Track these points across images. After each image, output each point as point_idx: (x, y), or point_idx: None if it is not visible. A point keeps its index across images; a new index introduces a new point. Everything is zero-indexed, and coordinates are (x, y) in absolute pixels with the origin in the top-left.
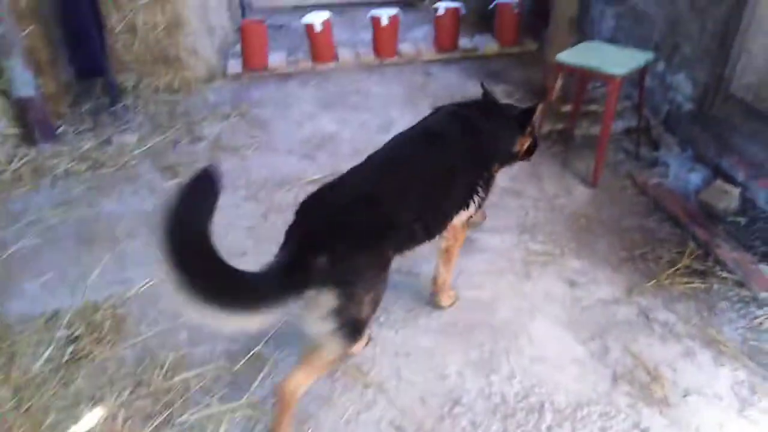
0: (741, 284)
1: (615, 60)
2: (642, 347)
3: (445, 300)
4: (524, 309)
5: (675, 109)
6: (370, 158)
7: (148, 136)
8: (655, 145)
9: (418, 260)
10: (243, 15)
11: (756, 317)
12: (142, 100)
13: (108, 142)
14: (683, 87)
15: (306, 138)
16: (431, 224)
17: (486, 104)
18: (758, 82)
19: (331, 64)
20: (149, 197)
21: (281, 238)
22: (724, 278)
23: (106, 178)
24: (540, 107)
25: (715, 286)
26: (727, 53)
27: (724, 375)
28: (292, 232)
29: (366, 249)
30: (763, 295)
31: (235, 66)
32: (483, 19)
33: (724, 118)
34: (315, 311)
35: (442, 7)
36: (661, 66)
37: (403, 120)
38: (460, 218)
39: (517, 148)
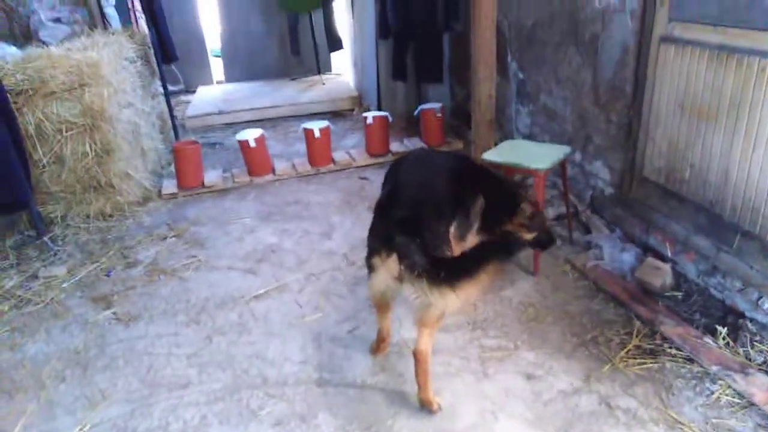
0: (691, 360)
1: (536, 155)
2: None
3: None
4: (487, 410)
5: (598, 193)
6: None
7: (79, 266)
8: (587, 229)
9: (374, 369)
10: (176, 135)
11: (712, 392)
12: (71, 229)
13: (34, 276)
14: (601, 173)
15: (247, 252)
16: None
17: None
18: (666, 166)
19: (269, 177)
20: (80, 333)
21: (228, 363)
22: (674, 355)
23: (31, 317)
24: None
25: (668, 365)
26: (634, 142)
27: None
28: (383, 220)
29: (436, 231)
30: (714, 369)
31: (170, 186)
32: (410, 125)
33: (643, 199)
34: (416, 285)
35: (370, 117)
36: (578, 156)
37: (344, 225)
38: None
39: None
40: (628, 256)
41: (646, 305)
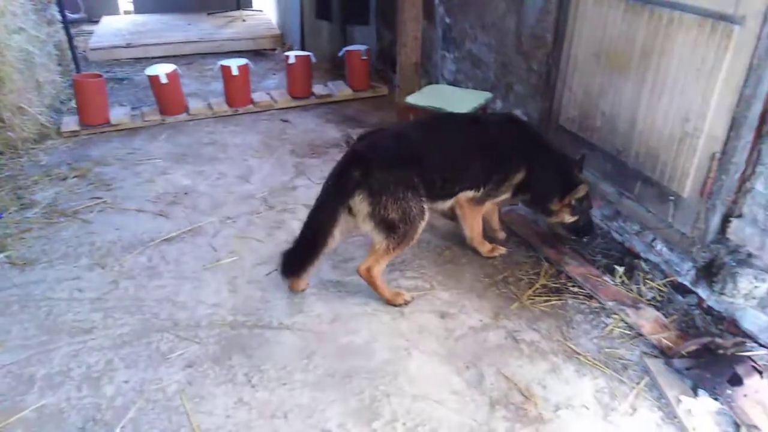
0: (590, 297)
1: (458, 100)
2: (514, 369)
3: (483, 251)
4: (401, 347)
5: None
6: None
7: None
8: None
9: (292, 311)
10: (78, 67)
11: (606, 325)
12: None
13: None
14: None
15: (158, 195)
16: (447, 181)
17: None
18: (580, 115)
19: (182, 116)
20: None
21: (137, 307)
22: (576, 293)
23: None
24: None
25: (570, 301)
26: (552, 91)
27: (586, 385)
28: (343, 155)
29: (391, 170)
30: (609, 304)
31: (71, 123)
32: (334, 67)
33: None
34: (359, 214)
35: (292, 56)
36: (500, 104)
37: (263, 168)
38: (466, 195)
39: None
40: None
41: (554, 247)
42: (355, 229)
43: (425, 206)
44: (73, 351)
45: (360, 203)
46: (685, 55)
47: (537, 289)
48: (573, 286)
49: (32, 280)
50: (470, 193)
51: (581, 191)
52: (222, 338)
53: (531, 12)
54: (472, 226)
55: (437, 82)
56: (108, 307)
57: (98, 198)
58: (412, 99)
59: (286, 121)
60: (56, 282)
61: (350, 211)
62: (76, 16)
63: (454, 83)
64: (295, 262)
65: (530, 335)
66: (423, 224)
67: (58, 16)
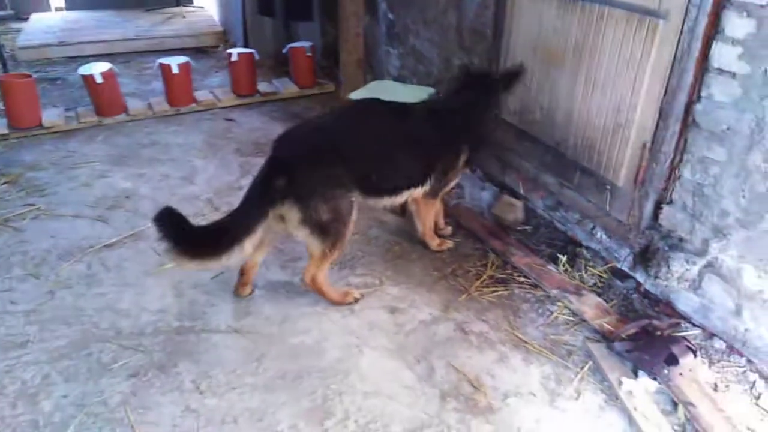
0: (535, 286)
1: (401, 95)
2: (463, 360)
3: (433, 245)
4: (352, 345)
5: None
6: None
7: None
8: None
9: (239, 314)
10: (5, 67)
11: (551, 313)
12: None
13: None
14: None
15: (97, 199)
16: (382, 175)
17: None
18: (520, 108)
19: (120, 117)
20: None
21: (75, 317)
22: (522, 282)
23: None
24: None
25: (516, 291)
26: None
27: (533, 372)
28: (265, 161)
29: (316, 171)
30: (553, 292)
31: None
32: (279, 64)
33: (501, 140)
34: (290, 222)
35: (235, 53)
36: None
37: (208, 169)
38: (416, 192)
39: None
40: (486, 195)
41: (500, 239)
42: (287, 235)
43: (353, 201)
44: (6, 367)
45: (289, 211)
46: (615, 49)
47: (484, 280)
48: (519, 276)
49: None
50: (419, 190)
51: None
52: (168, 345)
53: (470, 7)
54: (425, 220)
55: (382, 78)
56: (44, 319)
57: (31, 205)
58: (355, 95)
59: (230, 119)
60: None
61: (281, 218)
62: (1, 12)
63: (399, 79)
64: (187, 243)
65: (479, 326)
66: (353, 220)
67: None
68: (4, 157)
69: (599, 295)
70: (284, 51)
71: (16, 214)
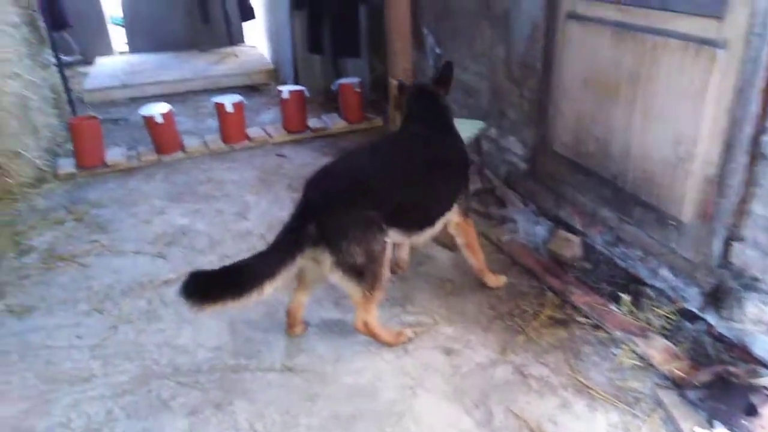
0: (598, 326)
1: None
2: (523, 406)
3: (491, 281)
4: (406, 386)
5: (512, 168)
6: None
7: None
8: (502, 203)
9: (293, 352)
10: (73, 110)
11: (616, 356)
12: None
13: None
14: (515, 148)
15: (156, 235)
16: (418, 206)
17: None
18: (574, 140)
19: (178, 155)
20: None
21: (136, 353)
22: (583, 323)
23: None
24: None
25: (577, 332)
26: (544, 116)
27: (599, 420)
28: (296, 205)
29: (346, 214)
30: (617, 334)
31: (67, 166)
32: (328, 100)
33: (554, 173)
34: (323, 266)
35: (286, 91)
36: (494, 131)
37: (260, 204)
38: (451, 216)
39: None
40: (541, 229)
41: (557, 276)
42: (322, 279)
43: (387, 241)
44: (72, 401)
45: (321, 254)
46: (672, 79)
47: (543, 320)
48: (579, 316)
49: (31, 327)
50: (453, 212)
51: None
52: (224, 383)
53: (519, 41)
54: (475, 249)
55: None
56: (107, 354)
57: (96, 241)
58: None
59: (281, 155)
60: (55, 329)
61: (316, 261)
62: (70, 58)
63: None
64: (206, 289)
65: (538, 369)
66: (387, 259)
67: (53, 60)
68: (72, 195)
69: (667, 337)
70: (333, 87)
71: (82, 250)
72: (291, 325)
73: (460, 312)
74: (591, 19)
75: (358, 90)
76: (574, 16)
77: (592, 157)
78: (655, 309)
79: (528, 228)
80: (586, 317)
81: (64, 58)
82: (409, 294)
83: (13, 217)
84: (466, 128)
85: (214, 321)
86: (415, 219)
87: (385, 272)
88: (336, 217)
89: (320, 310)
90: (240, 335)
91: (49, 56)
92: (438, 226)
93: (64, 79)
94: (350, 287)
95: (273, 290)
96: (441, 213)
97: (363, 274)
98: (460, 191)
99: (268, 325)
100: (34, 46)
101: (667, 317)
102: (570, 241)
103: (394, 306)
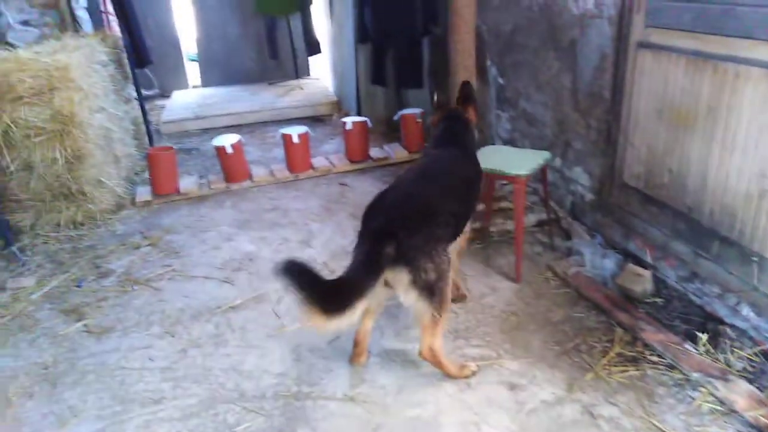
0: (672, 366)
1: (517, 161)
2: None
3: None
4: (469, 422)
5: (578, 199)
6: (411, 170)
7: (48, 276)
8: (567, 235)
9: (355, 381)
10: (150, 140)
11: (693, 400)
12: (41, 238)
13: (1, 288)
14: (581, 179)
15: (224, 261)
16: (461, 218)
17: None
18: (645, 172)
19: (246, 183)
20: (49, 347)
21: (204, 376)
22: (655, 362)
23: None
24: None
25: (649, 372)
26: (613, 147)
27: None
28: (363, 233)
29: (418, 233)
30: (694, 375)
31: (144, 193)
32: (390, 129)
33: (623, 205)
34: (399, 287)
35: (350, 122)
36: (558, 161)
37: (324, 232)
38: (469, 227)
39: None
40: (609, 263)
41: (627, 312)
42: (391, 299)
43: (449, 257)
44: (144, 422)
45: (398, 274)
46: (755, 109)
47: (612, 357)
48: (651, 355)
49: (107, 348)
50: (469, 225)
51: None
52: (287, 410)
53: (586, 70)
54: (461, 254)
55: (493, 142)
56: (177, 377)
57: (168, 266)
58: None
59: (344, 184)
60: (129, 351)
61: (387, 284)
62: (150, 92)
63: (509, 142)
64: (319, 294)
65: (608, 410)
66: (450, 278)
67: (135, 94)
68: (148, 222)
69: (750, 381)
70: (395, 118)
71: (156, 274)
72: (358, 354)
73: (524, 346)
74: (665, 48)
75: (419, 120)
76: (646, 45)
77: (665, 189)
78: (736, 350)
79: (595, 261)
80: (660, 356)
81: (145, 92)
82: (472, 327)
83: (95, 241)
84: (531, 159)
85: (278, 347)
86: (455, 232)
87: (450, 291)
88: (413, 237)
89: (382, 339)
90: (303, 362)
91: (131, 91)
92: (465, 235)
93: (144, 112)
94: (422, 307)
95: (361, 312)
96: (466, 223)
97: (434, 292)
98: (476, 204)
99: (329, 353)
100: (119, 82)
101: (750, 359)
102: (640, 276)
103: (457, 339)
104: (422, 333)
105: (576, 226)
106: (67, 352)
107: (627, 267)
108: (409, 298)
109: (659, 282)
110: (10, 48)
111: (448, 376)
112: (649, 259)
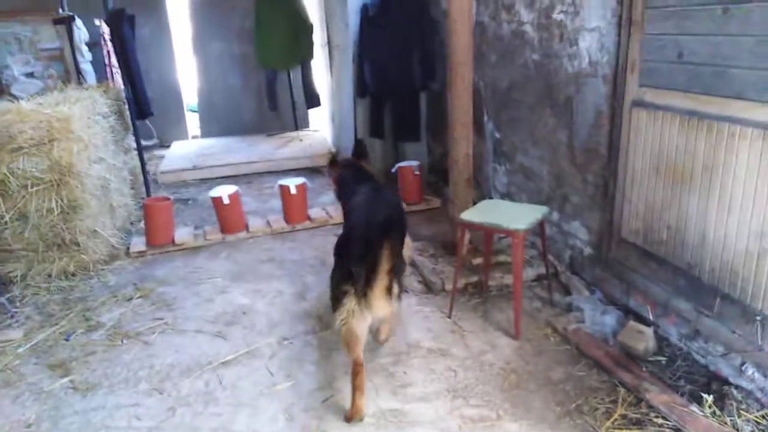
0: (678, 430)
1: (515, 216)
2: None
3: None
4: None
5: (577, 253)
6: (360, 203)
7: (37, 329)
8: (566, 290)
9: None
10: (148, 191)
11: None
12: (31, 289)
13: None
14: (580, 233)
15: (217, 315)
16: (402, 228)
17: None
18: (644, 227)
19: (242, 234)
20: (33, 404)
21: None
22: (660, 425)
23: None
24: None
25: None
26: (611, 202)
27: None
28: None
29: (396, 235)
30: None
31: (138, 244)
32: (388, 181)
33: (622, 260)
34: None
35: None
36: (556, 215)
37: (319, 285)
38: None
39: None
40: (610, 319)
41: (630, 371)
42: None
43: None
44: None
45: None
46: (752, 169)
47: (616, 419)
48: (657, 417)
49: (93, 406)
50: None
51: None
52: None
53: (582, 127)
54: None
55: (490, 195)
56: None
57: (160, 319)
58: (467, 216)
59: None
60: (115, 409)
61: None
62: (149, 142)
63: (506, 195)
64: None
65: None
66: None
67: (134, 144)
68: (140, 273)
69: None
70: (393, 170)
71: (146, 328)
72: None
73: (524, 407)
74: (659, 107)
75: (417, 173)
76: (640, 104)
77: (664, 245)
78: (743, 412)
79: (595, 317)
80: (665, 418)
81: (144, 142)
82: (471, 385)
83: (86, 293)
84: (529, 213)
85: (270, 405)
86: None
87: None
88: (395, 236)
89: (377, 398)
90: (296, 422)
91: (131, 141)
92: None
93: (143, 162)
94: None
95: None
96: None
97: (399, 275)
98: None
99: (323, 413)
100: (119, 133)
101: (757, 422)
102: (642, 333)
103: (455, 398)
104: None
105: (575, 281)
106: (51, 410)
107: (628, 324)
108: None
109: (661, 340)
110: (14, 99)
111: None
112: (650, 316)
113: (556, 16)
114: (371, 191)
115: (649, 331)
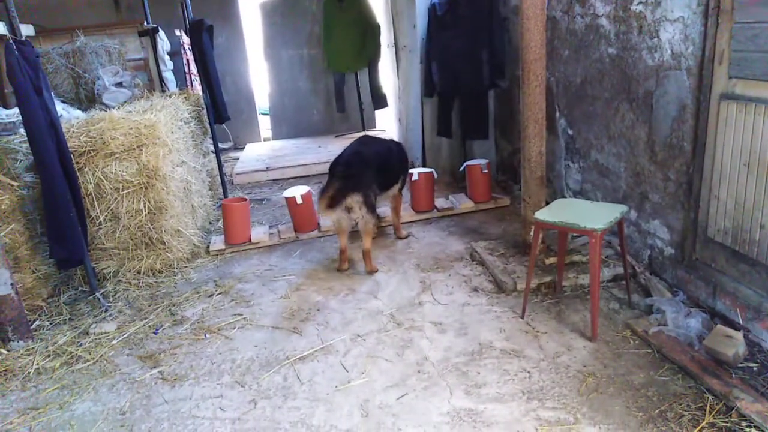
0: None
1: (592, 215)
2: None
3: (401, 234)
4: None
5: (657, 253)
6: (353, 142)
7: (128, 323)
8: (646, 291)
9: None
10: (225, 191)
11: None
12: (122, 285)
13: (85, 333)
14: (660, 233)
15: (292, 311)
16: (384, 183)
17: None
18: (733, 226)
19: (314, 233)
20: (126, 392)
21: (274, 429)
22: None
23: (81, 375)
24: None
25: None
26: (696, 201)
27: None
28: (332, 176)
29: (364, 176)
30: None
31: (217, 242)
32: (455, 180)
33: (708, 261)
34: (355, 206)
35: (416, 173)
36: (633, 214)
37: (390, 283)
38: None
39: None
40: (695, 322)
41: (718, 377)
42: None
43: (376, 193)
44: None
45: (355, 197)
46: None
47: (704, 428)
48: (749, 426)
49: (180, 396)
50: (396, 187)
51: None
52: None
53: (664, 122)
54: (398, 212)
55: (562, 193)
56: (247, 429)
57: (239, 314)
58: (541, 215)
59: (409, 234)
60: (201, 399)
61: (347, 209)
62: (225, 145)
63: (580, 193)
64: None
65: None
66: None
67: (212, 147)
68: (220, 270)
69: None
70: (461, 169)
71: (227, 323)
72: (343, 260)
73: (604, 412)
74: (751, 99)
75: (485, 171)
76: (730, 96)
77: (757, 245)
78: None
79: (678, 320)
80: (759, 429)
81: (221, 145)
82: (547, 387)
83: (171, 289)
84: (607, 212)
85: (346, 401)
86: (385, 184)
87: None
88: (363, 177)
89: (452, 398)
90: (372, 419)
91: (209, 144)
92: (391, 192)
93: (220, 164)
94: (367, 218)
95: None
96: (392, 185)
97: (372, 211)
98: (402, 173)
99: (398, 410)
100: (198, 137)
101: None
102: (732, 338)
103: (531, 399)
104: (364, 236)
105: (655, 282)
106: (142, 399)
107: (715, 328)
108: (361, 212)
109: (753, 345)
110: (105, 108)
111: (367, 267)
112: (740, 319)
113: (635, 7)
114: (369, 138)
115: (739, 335)
